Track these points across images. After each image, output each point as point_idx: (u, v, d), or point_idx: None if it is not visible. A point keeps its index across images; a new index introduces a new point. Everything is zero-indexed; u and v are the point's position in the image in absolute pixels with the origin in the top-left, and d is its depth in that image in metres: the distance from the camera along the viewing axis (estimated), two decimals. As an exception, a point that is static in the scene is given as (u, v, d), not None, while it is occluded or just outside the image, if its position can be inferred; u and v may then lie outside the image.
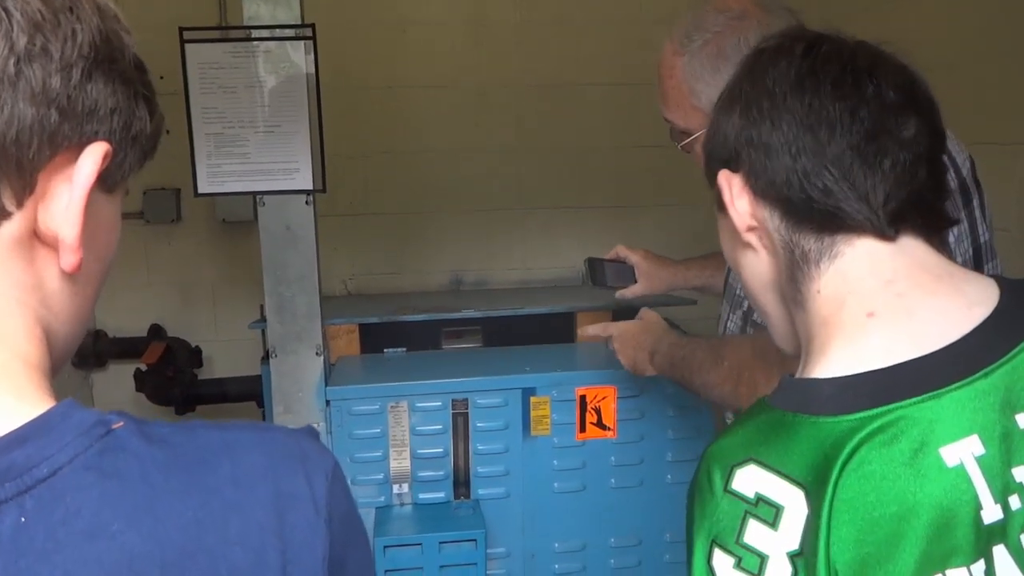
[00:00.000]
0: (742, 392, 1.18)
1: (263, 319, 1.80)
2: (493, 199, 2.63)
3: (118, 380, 2.52)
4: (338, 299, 2.48)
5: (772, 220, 0.67)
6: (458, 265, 2.65)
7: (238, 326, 2.27)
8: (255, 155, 1.61)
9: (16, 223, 0.44)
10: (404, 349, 1.99)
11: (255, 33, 1.59)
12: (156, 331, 2.59)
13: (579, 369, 1.84)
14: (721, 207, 0.72)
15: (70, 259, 0.45)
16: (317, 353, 1.74)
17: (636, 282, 1.60)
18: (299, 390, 1.74)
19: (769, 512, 0.57)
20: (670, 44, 1.17)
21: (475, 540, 1.67)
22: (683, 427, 1.84)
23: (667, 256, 1.67)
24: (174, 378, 2.50)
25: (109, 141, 0.46)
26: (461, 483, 1.79)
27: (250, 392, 2.37)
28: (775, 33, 0.72)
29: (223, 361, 2.64)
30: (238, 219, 2.50)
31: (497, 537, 1.77)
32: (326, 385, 1.75)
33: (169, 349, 2.53)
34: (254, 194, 1.67)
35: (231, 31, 1.75)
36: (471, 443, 1.78)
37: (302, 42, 1.60)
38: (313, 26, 1.61)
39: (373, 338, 1.99)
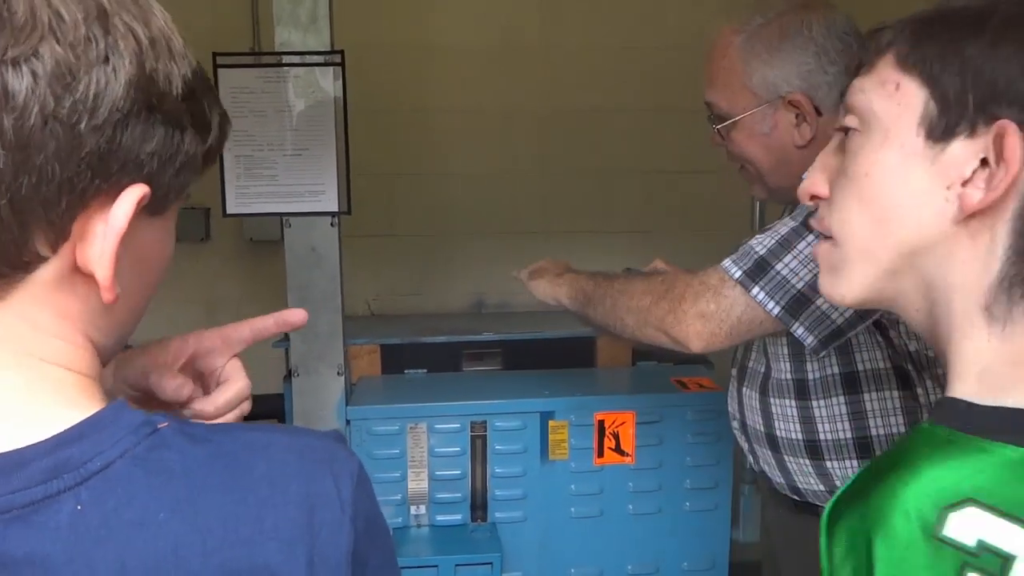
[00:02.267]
0: (663, 307, 1.16)
1: (286, 338, 1.82)
2: (517, 222, 2.65)
3: (144, 395, 2.55)
4: (361, 319, 2.51)
5: (1015, 221, 0.55)
6: (480, 287, 2.67)
7: (262, 344, 2.29)
8: (283, 177, 1.65)
9: (54, 264, 0.45)
10: (425, 370, 2.01)
11: (286, 59, 1.64)
12: (182, 347, 2.63)
13: (598, 394, 1.84)
14: (939, 138, 0.56)
15: (107, 295, 0.47)
16: (338, 373, 1.76)
17: None
18: (320, 409, 1.76)
19: (995, 563, 0.48)
20: (728, 26, 1.19)
21: (491, 563, 1.67)
22: (702, 454, 1.83)
23: None
24: (198, 394, 2.53)
25: (148, 181, 0.46)
26: (478, 506, 1.79)
27: (272, 410, 2.38)
28: None
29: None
30: (265, 238, 2.54)
31: (513, 561, 1.76)
32: (346, 405, 1.77)
33: (194, 365, 2.56)
34: (281, 215, 1.71)
35: (263, 57, 1.79)
36: (489, 466, 1.78)
37: (331, 68, 1.64)
38: (342, 52, 1.65)
39: (394, 359, 2.00)
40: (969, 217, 0.56)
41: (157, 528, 0.44)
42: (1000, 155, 0.54)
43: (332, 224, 1.71)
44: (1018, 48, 0.54)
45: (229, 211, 1.66)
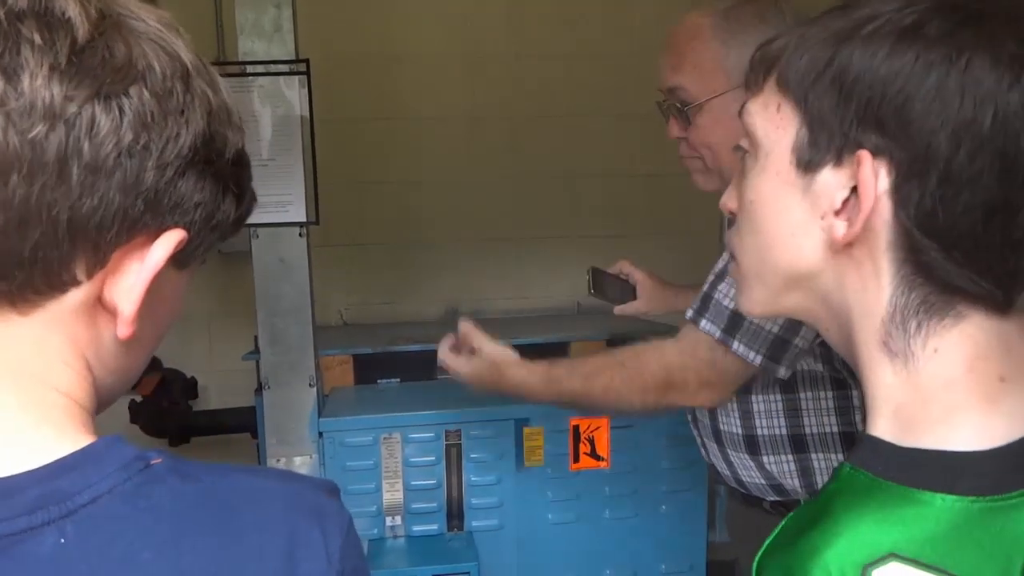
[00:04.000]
0: (673, 397, 1.16)
1: (257, 350, 1.80)
2: (488, 229, 2.64)
3: (112, 412, 2.46)
4: (333, 329, 2.49)
5: (895, 251, 0.52)
6: (453, 295, 2.66)
7: (234, 357, 2.27)
8: (249, 188, 1.63)
9: (84, 290, 0.47)
10: (398, 380, 1.99)
11: (250, 69, 1.62)
12: (152, 362, 2.59)
13: (572, 399, 1.84)
14: (808, 167, 0.54)
15: (124, 330, 0.49)
16: (310, 384, 1.74)
17: (636, 299, 1.59)
18: (292, 422, 1.74)
19: None
20: (696, 11, 1.17)
21: (468, 573, 1.66)
22: (677, 457, 1.83)
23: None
24: (168, 410, 2.49)
25: (187, 229, 0.49)
26: (454, 515, 1.78)
27: (245, 423, 2.36)
28: None
29: (219, 392, 2.64)
30: (235, 250, 2.51)
31: (490, 569, 1.75)
32: (319, 416, 1.75)
33: (164, 380, 2.52)
34: (248, 226, 1.68)
35: (227, 66, 1.77)
36: (464, 474, 1.77)
37: (296, 77, 1.63)
38: (307, 61, 1.64)
39: (367, 369, 1.99)
40: (848, 246, 0.53)
41: (140, 568, 0.43)
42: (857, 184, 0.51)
43: (300, 234, 1.70)
44: (885, 68, 0.50)
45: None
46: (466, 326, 1.31)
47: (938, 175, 0.49)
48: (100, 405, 0.52)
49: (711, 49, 1.15)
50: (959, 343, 0.53)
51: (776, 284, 0.59)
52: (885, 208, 0.51)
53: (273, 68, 1.62)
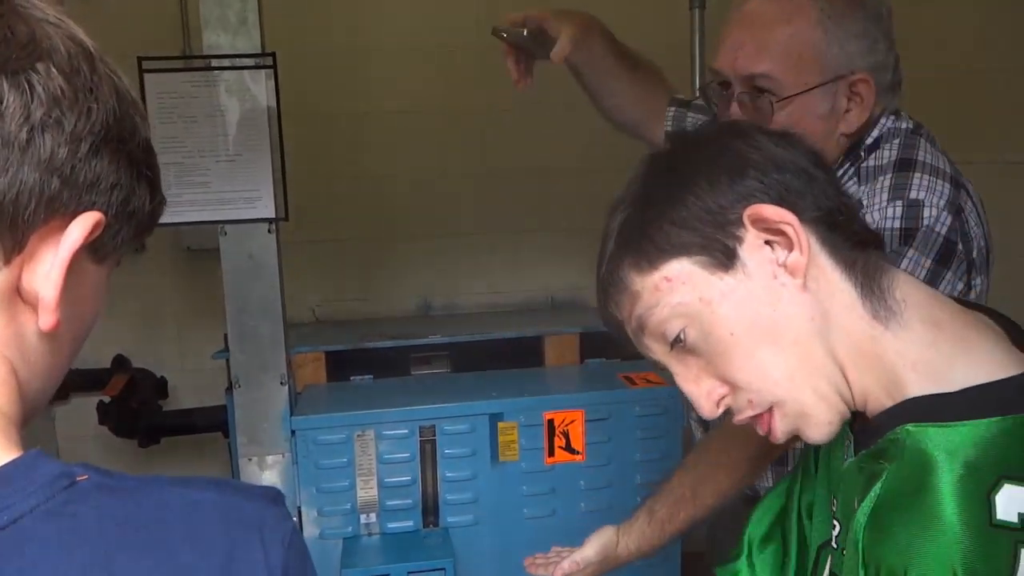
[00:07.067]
0: (774, 454, 1.15)
1: (227, 349, 1.78)
2: (460, 224, 2.63)
3: (80, 413, 2.46)
4: (306, 326, 2.46)
5: (822, 244, 0.66)
6: (426, 290, 2.64)
7: (204, 355, 2.24)
8: (216, 184, 1.60)
9: (1, 278, 0.45)
10: (371, 376, 1.98)
11: (215, 62, 1.59)
12: (120, 362, 2.55)
13: (547, 393, 1.84)
14: (729, 262, 0.65)
15: (48, 319, 0.47)
16: (282, 382, 1.72)
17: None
18: (264, 420, 1.72)
19: None
20: None
21: (444, 569, 1.66)
22: (651, 449, 1.84)
23: None
24: (138, 410, 2.45)
25: (104, 212, 0.48)
26: (429, 511, 1.77)
27: (216, 423, 2.33)
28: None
29: (189, 391, 2.60)
30: (204, 247, 2.47)
31: (466, 565, 1.75)
32: (291, 415, 1.73)
33: (133, 380, 2.48)
34: (215, 223, 1.66)
35: (192, 60, 1.74)
36: (439, 470, 1.76)
37: (263, 71, 1.60)
38: (274, 55, 1.61)
39: (340, 365, 1.97)
40: (803, 275, 0.64)
41: None
42: (771, 228, 0.64)
43: (270, 231, 1.67)
44: (699, 181, 0.65)
45: (159, 220, 1.61)
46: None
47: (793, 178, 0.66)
48: (28, 413, 0.49)
49: (811, 37, 1.01)
50: (905, 283, 0.65)
51: (812, 367, 0.65)
52: (794, 222, 0.64)
53: (239, 62, 1.60)
